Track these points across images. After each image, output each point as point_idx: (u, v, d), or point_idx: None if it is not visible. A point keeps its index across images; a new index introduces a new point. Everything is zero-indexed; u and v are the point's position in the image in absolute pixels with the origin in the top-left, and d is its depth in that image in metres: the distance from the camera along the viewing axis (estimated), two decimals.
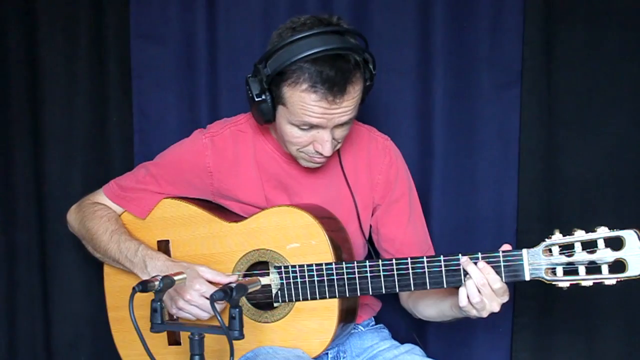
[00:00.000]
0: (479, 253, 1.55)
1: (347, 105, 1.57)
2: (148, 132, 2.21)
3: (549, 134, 2.06)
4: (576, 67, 2.04)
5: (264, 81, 1.58)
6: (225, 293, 1.38)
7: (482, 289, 1.53)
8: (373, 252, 1.85)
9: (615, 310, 2.06)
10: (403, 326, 1.90)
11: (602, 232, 1.46)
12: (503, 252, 1.54)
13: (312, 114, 1.56)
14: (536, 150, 2.06)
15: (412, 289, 1.60)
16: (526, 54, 2.04)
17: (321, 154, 1.63)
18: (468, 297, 1.53)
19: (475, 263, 1.54)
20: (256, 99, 1.60)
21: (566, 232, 1.50)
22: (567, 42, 2.04)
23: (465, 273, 1.54)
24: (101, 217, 1.81)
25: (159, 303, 1.44)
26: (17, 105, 2.27)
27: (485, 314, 1.56)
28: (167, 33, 2.19)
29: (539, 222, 2.06)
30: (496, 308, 1.55)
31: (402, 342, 1.83)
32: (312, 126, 1.59)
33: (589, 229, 1.49)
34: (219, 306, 1.59)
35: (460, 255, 1.56)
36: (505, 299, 1.56)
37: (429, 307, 1.79)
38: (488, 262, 1.54)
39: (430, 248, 1.88)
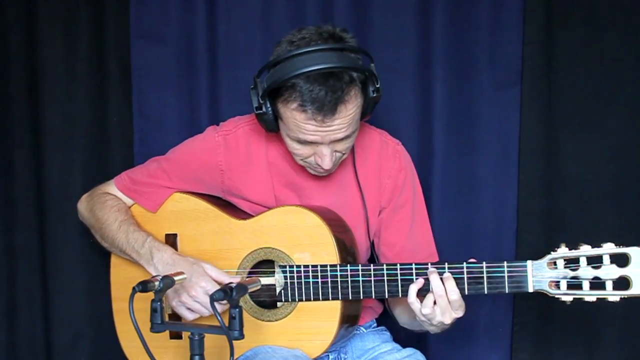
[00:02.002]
0: (484, 262, 1.56)
1: (340, 123, 1.55)
2: (148, 132, 2.21)
3: (549, 134, 2.06)
4: (576, 67, 2.04)
5: (260, 95, 1.58)
6: (225, 293, 1.38)
7: (438, 299, 1.55)
8: (376, 256, 1.85)
9: (616, 310, 2.05)
10: (404, 329, 1.90)
11: (608, 247, 1.46)
12: (507, 262, 1.54)
13: (305, 132, 1.56)
14: (536, 150, 2.06)
15: None
16: (526, 54, 2.04)
17: (321, 167, 1.63)
18: (421, 305, 1.56)
19: (442, 274, 1.56)
20: (256, 112, 1.60)
21: (566, 238, 1.51)
22: (567, 42, 2.04)
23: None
24: (112, 207, 1.82)
25: (159, 303, 1.44)
26: (17, 105, 2.27)
27: (435, 322, 1.58)
28: (167, 33, 2.19)
29: (539, 222, 2.06)
30: (447, 320, 1.57)
31: (402, 345, 1.82)
32: (309, 142, 1.59)
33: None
34: (220, 307, 1.59)
35: (455, 262, 1.58)
36: (460, 314, 1.58)
37: (403, 313, 1.81)
38: (492, 272, 1.55)
39: (433, 255, 1.87)
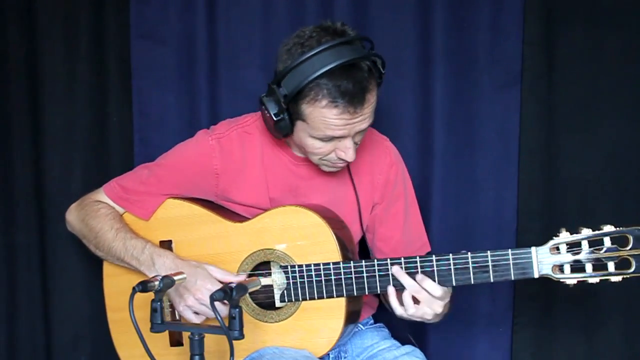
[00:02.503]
0: (488, 251, 1.57)
1: (366, 113, 1.58)
2: (148, 132, 2.20)
3: (549, 134, 2.06)
4: (576, 67, 2.04)
5: (282, 101, 1.57)
6: (225, 293, 1.38)
7: (418, 295, 1.56)
8: (370, 252, 1.86)
9: (616, 310, 2.06)
10: (401, 325, 1.90)
11: (608, 229, 1.50)
12: (512, 250, 1.56)
13: (335, 127, 1.57)
14: (536, 150, 2.06)
15: None
16: (526, 54, 2.04)
17: (344, 160, 1.64)
18: (404, 308, 1.58)
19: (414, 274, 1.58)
20: (275, 119, 1.60)
21: (572, 231, 1.53)
22: (567, 42, 2.04)
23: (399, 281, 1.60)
24: (105, 215, 1.80)
25: (159, 303, 1.44)
26: (17, 106, 2.27)
27: (429, 317, 1.59)
28: (167, 33, 2.18)
29: (538, 222, 2.06)
30: (438, 309, 1.58)
31: (401, 342, 1.83)
32: (336, 137, 1.60)
33: (593, 228, 1.51)
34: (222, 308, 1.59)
35: (459, 253, 1.59)
36: (447, 298, 1.60)
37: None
38: (497, 260, 1.56)
39: (425, 245, 1.88)
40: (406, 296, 1.58)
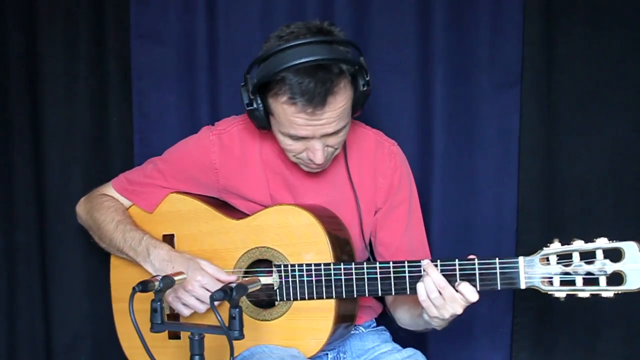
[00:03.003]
0: (476, 259, 1.54)
1: (330, 116, 1.54)
2: (148, 132, 2.21)
3: (549, 134, 2.06)
4: (576, 67, 2.04)
5: (250, 90, 1.58)
6: (225, 293, 1.39)
7: (443, 291, 1.52)
8: (371, 257, 1.85)
9: (616, 310, 2.06)
10: (403, 328, 1.90)
11: (601, 242, 1.43)
12: (499, 258, 1.52)
13: (297, 126, 1.55)
14: (536, 150, 2.06)
15: (408, 292, 1.59)
16: (526, 54, 2.04)
17: (313, 162, 1.62)
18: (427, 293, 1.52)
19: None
20: (247, 108, 1.60)
21: (566, 238, 1.48)
22: (567, 42, 2.04)
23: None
24: (108, 207, 1.83)
25: (159, 303, 1.44)
26: (17, 106, 2.27)
27: (446, 314, 1.53)
28: (167, 33, 2.19)
29: (539, 222, 2.06)
30: (459, 310, 1.53)
31: (402, 345, 1.82)
32: (301, 137, 1.59)
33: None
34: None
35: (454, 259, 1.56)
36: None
37: (404, 313, 1.79)
38: (484, 268, 1.52)
39: (427, 257, 1.86)
40: (429, 283, 1.52)
